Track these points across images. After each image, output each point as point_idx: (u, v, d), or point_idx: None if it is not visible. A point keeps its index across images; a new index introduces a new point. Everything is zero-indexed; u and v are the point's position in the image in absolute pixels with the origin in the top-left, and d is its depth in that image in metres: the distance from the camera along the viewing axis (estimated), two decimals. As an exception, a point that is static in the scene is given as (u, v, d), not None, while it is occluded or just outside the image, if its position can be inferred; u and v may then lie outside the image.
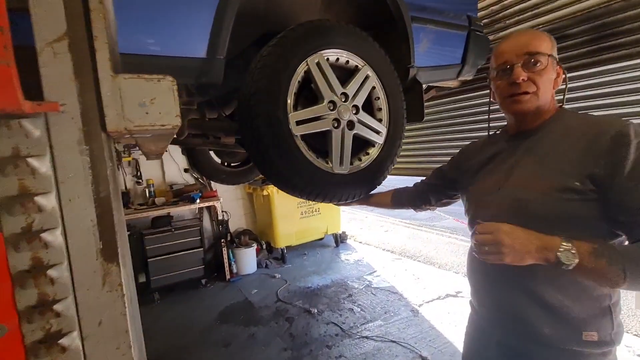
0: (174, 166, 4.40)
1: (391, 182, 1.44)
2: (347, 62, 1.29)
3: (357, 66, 1.31)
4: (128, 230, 3.51)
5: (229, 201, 4.76)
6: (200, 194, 4.02)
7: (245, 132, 1.18)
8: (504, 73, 0.93)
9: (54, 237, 0.52)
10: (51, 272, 0.52)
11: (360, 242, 5.39)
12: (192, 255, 3.81)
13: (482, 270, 0.99)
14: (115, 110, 0.55)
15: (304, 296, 3.48)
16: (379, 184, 1.40)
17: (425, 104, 1.95)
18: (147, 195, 4.01)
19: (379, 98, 1.38)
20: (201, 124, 1.59)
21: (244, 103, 1.14)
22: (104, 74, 0.54)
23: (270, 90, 1.09)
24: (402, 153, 1.55)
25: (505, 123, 1.07)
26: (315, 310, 3.11)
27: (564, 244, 0.73)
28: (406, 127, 1.52)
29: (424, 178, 1.37)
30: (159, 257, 3.63)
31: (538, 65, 0.88)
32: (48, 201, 0.51)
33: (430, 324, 2.85)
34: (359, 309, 3.13)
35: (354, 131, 1.29)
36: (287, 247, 4.72)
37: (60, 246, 0.52)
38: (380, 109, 1.39)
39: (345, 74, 1.32)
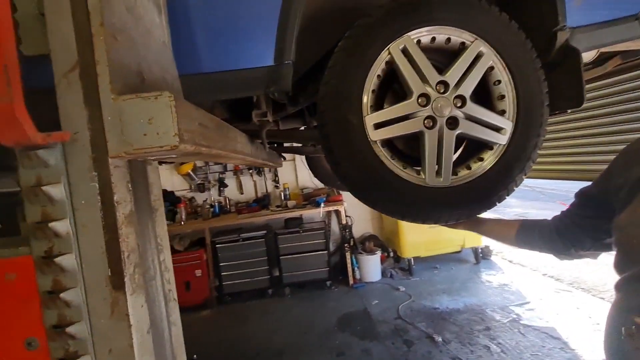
0: (306, 171, 4.74)
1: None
2: (448, 40, 0.98)
3: (463, 43, 0.98)
4: (264, 229, 4.01)
5: (355, 205, 4.75)
6: (324, 198, 4.18)
7: (321, 141, 1.06)
8: None
9: (69, 261, 0.53)
10: (66, 296, 0.54)
11: (509, 261, 4.39)
12: (317, 257, 4.00)
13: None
14: (115, 135, 0.53)
15: (428, 318, 3.07)
16: (499, 201, 1.01)
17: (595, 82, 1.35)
18: (282, 198, 4.47)
19: (499, 82, 1.00)
20: (292, 134, 1.57)
21: (318, 109, 1.02)
22: (105, 98, 0.52)
23: (340, 90, 0.93)
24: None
25: None
26: (440, 339, 2.67)
27: None
28: (551, 118, 1.05)
29: (564, 209, 0.91)
30: (289, 255, 3.97)
31: None
32: (63, 227, 0.53)
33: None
34: (498, 349, 2.49)
35: (458, 130, 0.97)
36: (416, 258, 4.33)
37: (74, 270, 0.54)
38: (502, 97, 1.01)
39: (448, 56, 1.02)
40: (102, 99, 0.52)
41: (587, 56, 1.41)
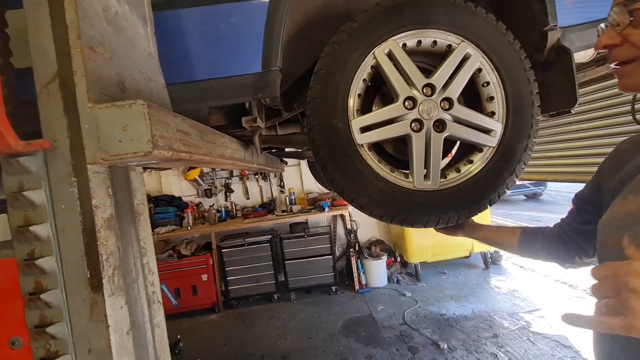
0: (311, 176, 4.75)
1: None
2: (434, 43, 0.98)
3: (449, 46, 0.98)
4: (270, 234, 4.02)
5: (361, 210, 4.74)
6: (328, 203, 4.18)
7: (310, 146, 1.07)
8: None
9: (49, 264, 0.55)
10: (47, 297, 0.55)
11: (520, 267, 4.29)
12: (322, 262, 3.99)
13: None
14: (92, 142, 0.55)
15: (434, 324, 3.02)
16: (490, 204, 1.00)
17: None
18: (288, 202, 4.49)
19: (488, 83, 1.00)
20: (287, 139, 1.59)
21: (305, 114, 1.03)
22: (82, 107, 0.54)
23: (325, 95, 0.95)
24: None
25: None
26: (446, 346, 2.62)
27: None
28: (543, 120, 1.04)
29: (565, 216, 0.90)
30: (294, 260, 3.97)
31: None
32: (44, 230, 0.55)
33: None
34: (505, 357, 2.43)
35: (446, 133, 0.97)
36: (423, 263, 4.27)
37: (54, 273, 0.56)
38: (491, 98, 1.00)
39: (435, 59, 1.02)
40: (79, 108, 0.54)
41: (586, 55, 1.38)
